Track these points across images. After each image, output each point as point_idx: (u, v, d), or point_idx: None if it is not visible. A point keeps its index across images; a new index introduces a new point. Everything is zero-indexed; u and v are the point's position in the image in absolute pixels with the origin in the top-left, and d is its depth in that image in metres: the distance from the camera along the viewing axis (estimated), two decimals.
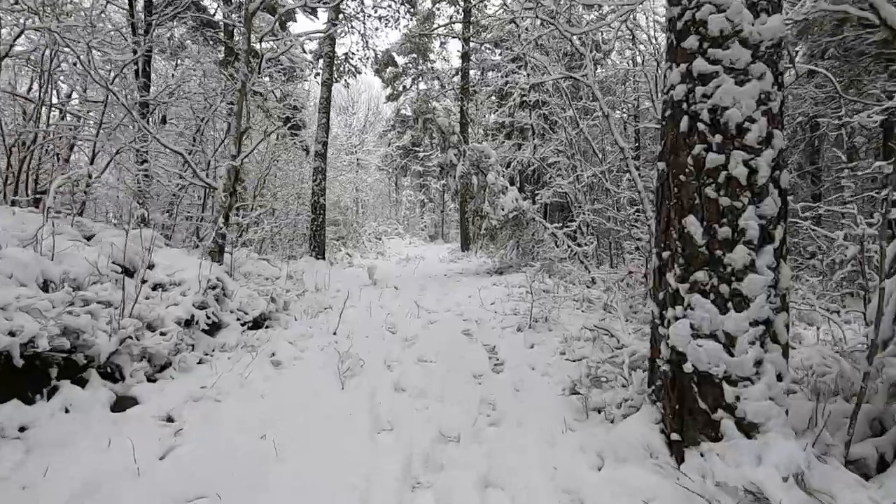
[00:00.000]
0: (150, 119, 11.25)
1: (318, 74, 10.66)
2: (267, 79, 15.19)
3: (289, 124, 11.16)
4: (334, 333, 5.37)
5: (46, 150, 8.64)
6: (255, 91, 12.09)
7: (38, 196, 8.13)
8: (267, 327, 5.46)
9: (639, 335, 4.72)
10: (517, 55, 15.13)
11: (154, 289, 4.51)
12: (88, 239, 5.72)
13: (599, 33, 13.60)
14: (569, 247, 10.00)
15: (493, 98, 20.06)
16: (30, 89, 8.58)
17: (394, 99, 28.98)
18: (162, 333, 3.97)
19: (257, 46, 7.73)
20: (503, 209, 9.46)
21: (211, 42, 14.78)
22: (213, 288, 4.89)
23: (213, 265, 5.30)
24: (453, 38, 15.43)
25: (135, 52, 10.11)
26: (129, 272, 4.58)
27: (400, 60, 27.45)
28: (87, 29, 7.32)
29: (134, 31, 9.97)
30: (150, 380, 3.54)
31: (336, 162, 19.72)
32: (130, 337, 3.50)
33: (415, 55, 25.80)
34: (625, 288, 7.11)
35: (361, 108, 29.89)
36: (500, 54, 18.78)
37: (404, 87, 29.03)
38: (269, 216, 13.58)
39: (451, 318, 6.72)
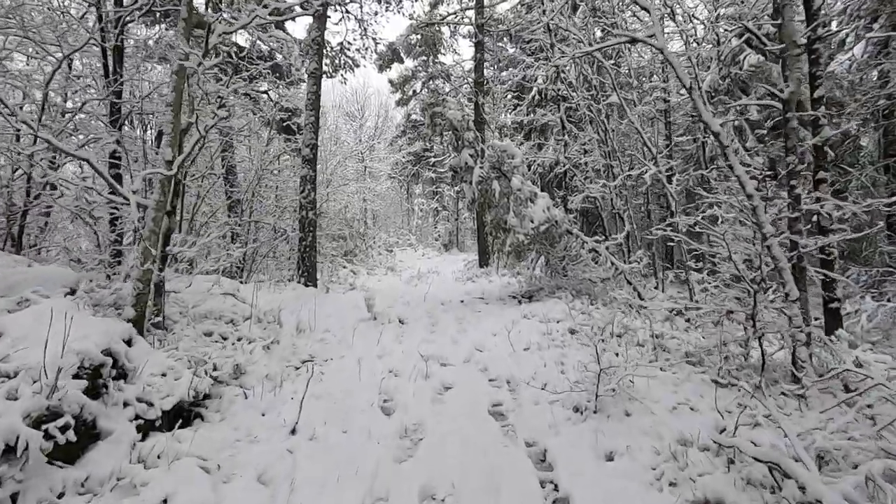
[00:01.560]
0: (124, 126, 9.51)
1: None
2: (265, 85, 13.42)
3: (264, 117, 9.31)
4: (293, 431, 3.35)
5: None
6: (243, 93, 10.30)
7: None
8: (194, 418, 3.49)
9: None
10: (537, 47, 13.14)
11: None
12: None
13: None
14: (612, 264, 7.91)
15: (510, 97, 18.02)
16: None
17: (403, 104, 27.10)
18: None
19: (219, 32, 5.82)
20: (532, 221, 7.42)
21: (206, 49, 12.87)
22: (93, 371, 2.93)
23: (109, 325, 3.36)
24: (465, 26, 13.41)
25: (104, 50, 8.38)
26: None
27: (409, 63, 25.59)
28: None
29: (102, 32, 8.22)
30: None
31: (341, 170, 17.86)
32: None
33: (424, 57, 23.93)
34: (713, 329, 4.99)
35: (371, 116, 28.11)
36: (515, 49, 16.76)
37: (414, 91, 27.15)
38: (260, 232, 11.75)
39: (472, 379, 4.68)
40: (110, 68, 8.30)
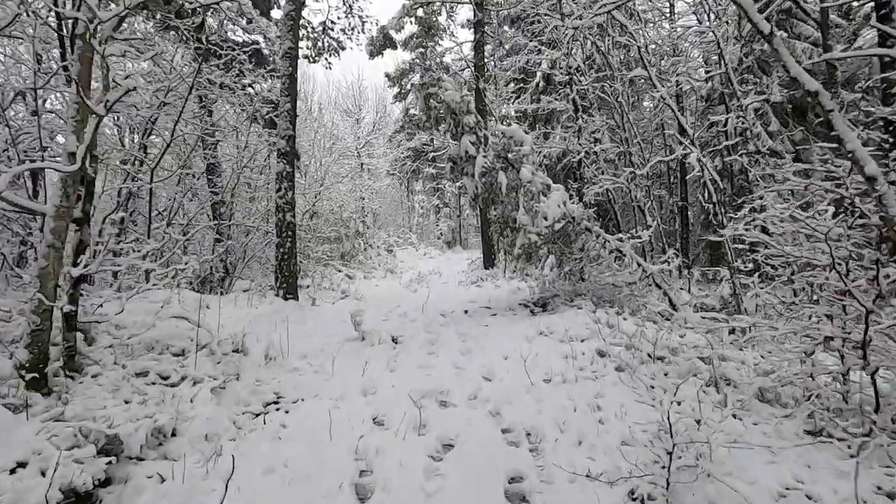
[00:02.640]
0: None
1: (286, 50, 7.46)
2: (249, 77, 12.22)
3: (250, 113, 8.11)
4: None
5: None
6: (219, 83, 9.10)
7: None
8: None
9: None
10: (541, 29, 11.92)
11: None
12: None
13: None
14: (639, 266, 6.70)
15: (512, 86, 16.73)
16: None
17: (401, 98, 25.87)
18: None
19: None
20: (545, 218, 6.21)
21: (185, 37, 11.56)
22: None
23: None
24: (463, 4, 12.13)
25: (61, 39, 7.26)
26: None
27: (406, 55, 24.35)
28: None
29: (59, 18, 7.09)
30: None
31: (336, 167, 16.66)
32: None
33: (421, 49, 22.64)
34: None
35: (369, 112, 26.78)
36: (517, 33, 15.47)
37: (412, 84, 25.86)
38: (249, 235, 10.59)
39: (480, 430, 3.48)
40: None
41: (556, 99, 11.93)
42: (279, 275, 7.10)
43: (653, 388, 3.82)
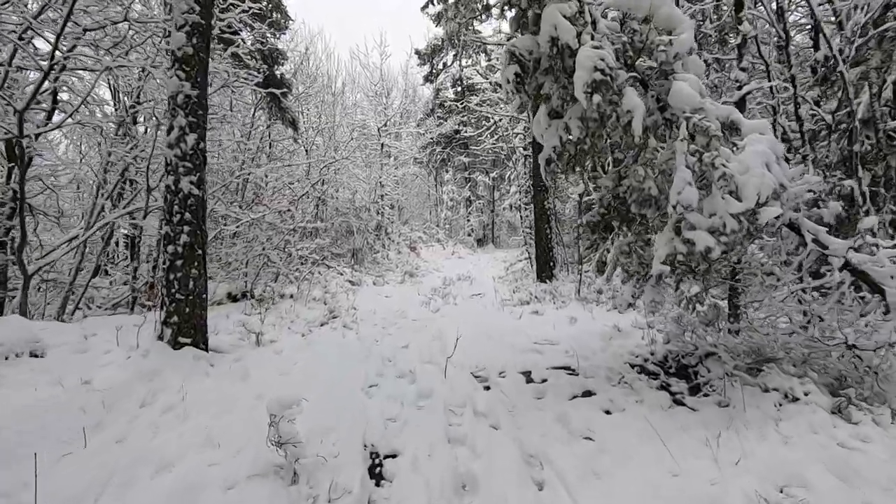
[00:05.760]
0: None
1: None
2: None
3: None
4: None
5: None
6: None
7: None
8: None
9: None
10: None
11: None
12: None
13: None
14: None
15: None
16: None
17: (432, 79, 22.30)
18: None
19: None
20: (737, 198, 2.49)
21: None
22: None
23: None
24: None
25: None
26: None
27: (439, 31, 20.88)
28: None
29: None
30: None
31: (351, 147, 13.27)
32: None
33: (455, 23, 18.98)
34: None
35: (397, 95, 23.19)
36: None
37: (444, 64, 22.24)
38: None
39: None
40: None
41: None
42: (169, 290, 3.52)
43: None
